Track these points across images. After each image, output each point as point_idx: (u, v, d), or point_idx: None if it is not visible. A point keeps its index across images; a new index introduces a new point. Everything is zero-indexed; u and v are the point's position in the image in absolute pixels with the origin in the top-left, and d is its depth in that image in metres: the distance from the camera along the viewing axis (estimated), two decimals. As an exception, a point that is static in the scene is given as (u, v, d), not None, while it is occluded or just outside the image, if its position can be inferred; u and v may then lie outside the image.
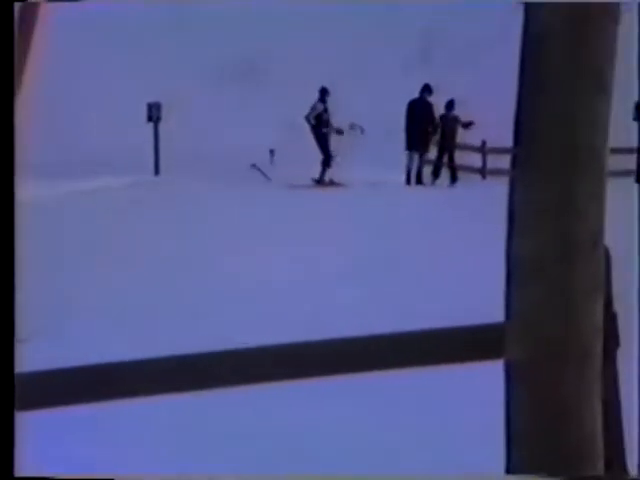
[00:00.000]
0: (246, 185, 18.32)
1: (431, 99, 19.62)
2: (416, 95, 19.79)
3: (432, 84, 19.67)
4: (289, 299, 11.50)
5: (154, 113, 20.25)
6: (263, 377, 2.04)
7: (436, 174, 19.14)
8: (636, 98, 16.84)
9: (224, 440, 7.46)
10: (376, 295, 11.59)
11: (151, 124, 20.23)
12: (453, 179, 18.92)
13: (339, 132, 19.77)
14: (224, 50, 24.62)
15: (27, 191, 16.05)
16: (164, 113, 20.25)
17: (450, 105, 19.39)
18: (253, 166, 18.75)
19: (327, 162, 19.94)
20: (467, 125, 19.33)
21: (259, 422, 7.88)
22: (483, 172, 20.46)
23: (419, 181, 19.48)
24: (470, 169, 20.46)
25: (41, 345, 9.01)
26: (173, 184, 18.49)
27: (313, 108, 19.99)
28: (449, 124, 19.14)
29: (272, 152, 20.60)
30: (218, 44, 24.87)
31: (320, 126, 19.91)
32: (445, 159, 19.40)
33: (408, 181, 19.44)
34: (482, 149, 20.34)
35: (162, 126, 20.16)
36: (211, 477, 3.50)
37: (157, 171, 20.13)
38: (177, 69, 23.89)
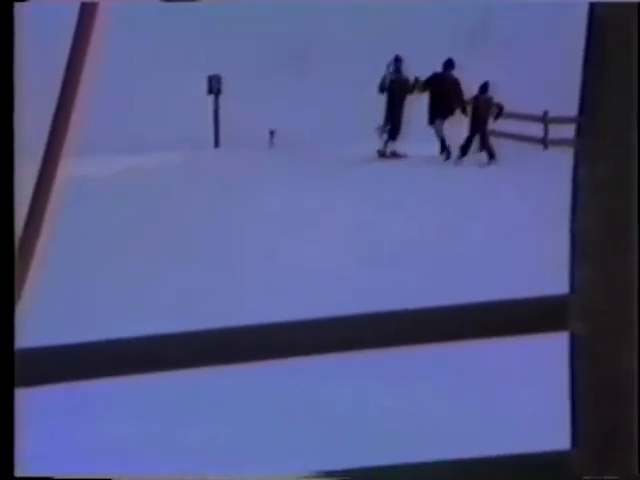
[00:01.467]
0: (305, 160, 18.29)
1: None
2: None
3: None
4: (365, 265, 11.51)
5: (214, 85, 20.30)
6: (312, 350, 2.02)
7: (464, 152, 18.62)
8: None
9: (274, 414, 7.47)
10: (440, 267, 11.57)
11: (211, 96, 20.30)
12: (491, 157, 18.35)
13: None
14: (279, 34, 24.67)
15: (88, 166, 16.26)
16: (224, 87, 20.32)
17: (484, 87, 18.84)
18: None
19: (394, 134, 19.78)
20: (498, 114, 18.87)
21: (306, 398, 7.89)
22: (545, 142, 20.25)
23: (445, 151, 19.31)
24: (531, 139, 20.24)
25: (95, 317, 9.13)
26: (233, 157, 18.57)
27: (384, 78, 19.86)
28: (481, 106, 18.61)
29: (272, 133, 20.30)
30: (274, 28, 24.93)
31: (394, 95, 19.76)
32: (476, 142, 18.89)
33: (443, 150, 19.23)
34: (544, 118, 20.13)
35: (222, 99, 20.23)
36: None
37: (217, 144, 20.21)
38: (235, 47, 23.95)
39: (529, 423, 6.76)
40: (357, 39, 25.00)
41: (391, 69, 19.89)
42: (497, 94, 20.21)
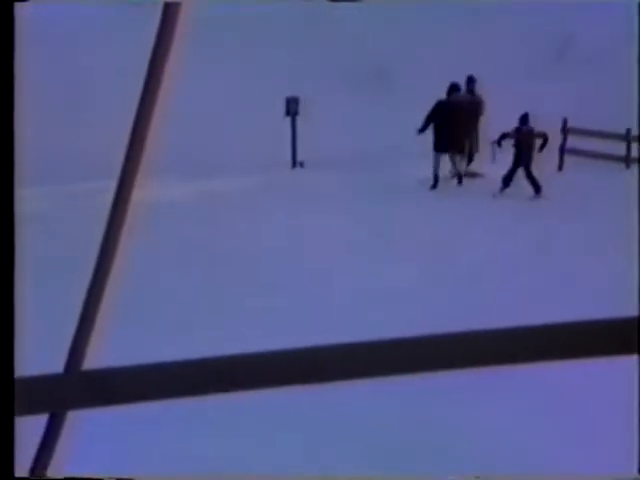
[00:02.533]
0: (382, 180, 18.25)
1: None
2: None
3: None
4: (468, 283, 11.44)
5: (292, 107, 20.41)
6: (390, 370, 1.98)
7: (506, 184, 17.66)
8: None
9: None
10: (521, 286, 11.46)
11: (288, 118, 20.41)
12: (537, 191, 17.48)
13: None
14: (357, 54, 24.72)
15: (164, 189, 16.42)
16: (302, 108, 20.40)
17: (525, 119, 17.88)
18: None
19: (471, 154, 19.62)
20: (542, 145, 17.78)
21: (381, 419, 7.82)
22: (627, 161, 19.97)
23: (460, 181, 18.45)
24: (611, 157, 19.96)
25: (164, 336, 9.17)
26: (309, 178, 18.61)
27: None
28: (524, 138, 17.74)
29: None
30: (352, 47, 24.99)
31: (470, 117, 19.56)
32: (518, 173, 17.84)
33: (435, 185, 18.15)
34: (627, 137, 19.87)
35: (299, 121, 20.30)
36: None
37: (294, 164, 20.30)
38: (312, 68, 24.06)
39: (597, 446, 6.63)
40: (437, 57, 24.93)
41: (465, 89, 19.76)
42: (579, 111, 19.96)
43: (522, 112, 17.85)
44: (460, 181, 18.41)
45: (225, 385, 2.03)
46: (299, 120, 20.37)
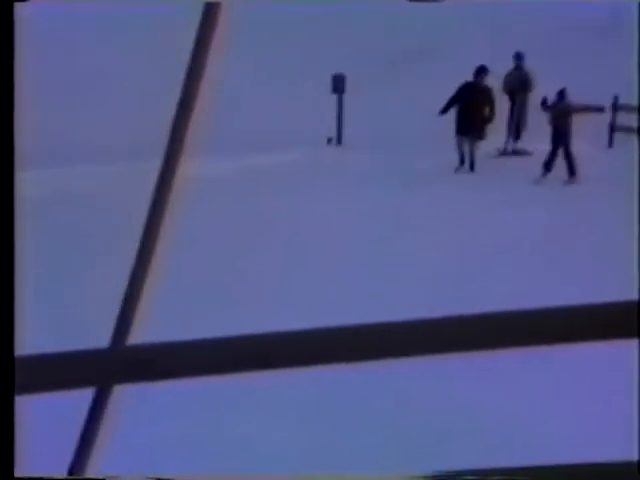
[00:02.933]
0: (425, 158, 18.18)
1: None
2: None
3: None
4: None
5: (339, 85, 20.44)
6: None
7: (548, 167, 16.73)
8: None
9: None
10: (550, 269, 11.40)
11: (335, 96, 20.42)
12: (572, 173, 16.60)
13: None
14: (406, 31, 24.65)
15: (213, 165, 16.49)
16: (348, 86, 20.39)
17: (562, 94, 16.94)
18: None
19: (518, 132, 19.47)
20: (598, 109, 17.00)
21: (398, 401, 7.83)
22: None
23: (472, 168, 17.80)
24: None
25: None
26: (355, 155, 18.60)
27: (508, 76, 19.55)
28: (561, 115, 16.66)
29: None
30: (401, 25, 24.94)
31: (517, 93, 19.43)
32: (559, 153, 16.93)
33: (462, 163, 17.81)
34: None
35: (346, 98, 20.28)
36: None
37: (339, 141, 20.32)
38: (357, 50, 24.04)
39: (598, 431, 6.61)
40: (483, 35, 24.77)
41: (513, 66, 19.64)
42: (622, 90, 19.69)
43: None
44: (472, 168, 17.78)
45: (267, 362, 2.06)
46: (345, 98, 20.36)
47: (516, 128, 19.47)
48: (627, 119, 19.83)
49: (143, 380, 2.00)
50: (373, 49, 24.63)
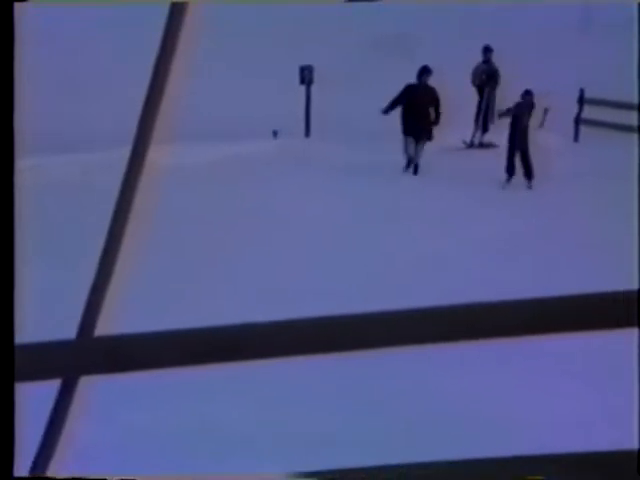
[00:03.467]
0: (392, 152, 18.21)
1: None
2: None
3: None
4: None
5: (306, 76, 20.38)
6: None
7: (511, 172, 16.06)
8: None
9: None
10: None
11: (303, 87, 20.37)
12: (529, 177, 16.09)
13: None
14: (375, 24, 24.64)
15: (181, 155, 16.45)
16: (316, 77, 20.35)
17: (527, 94, 16.28)
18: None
19: (486, 124, 19.53)
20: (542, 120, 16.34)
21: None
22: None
23: (415, 172, 17.14)
24: (626, 128, 19.71)
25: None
26: (323, 148, 18.60)
27: (476, 69, 19.64)
28: (522, 115, 15.99)
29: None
30: (370, 18, 24.92)
31: (485, 86, 19.51)
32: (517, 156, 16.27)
33: (408, 166, 17.19)
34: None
35: (314, 89, 20.26)
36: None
37: (307, 133, 20.28)
38: (329, 37, 24.02)
39: (597, 420, 6.69)
40: (456, 27, 24.81)
41: (481, 59, 19.73)
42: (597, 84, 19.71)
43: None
44: (416, 171, 17.16)
45: (238, 353, 2.06)
46: (314, 88, 20.33)
47: (484, 121, 19.56)
48: (595, 113, 19.94)
49: (110, 371, 2.01)
50: (344, 42, 24.63)
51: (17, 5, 1.48)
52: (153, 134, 1.97)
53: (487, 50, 19.73)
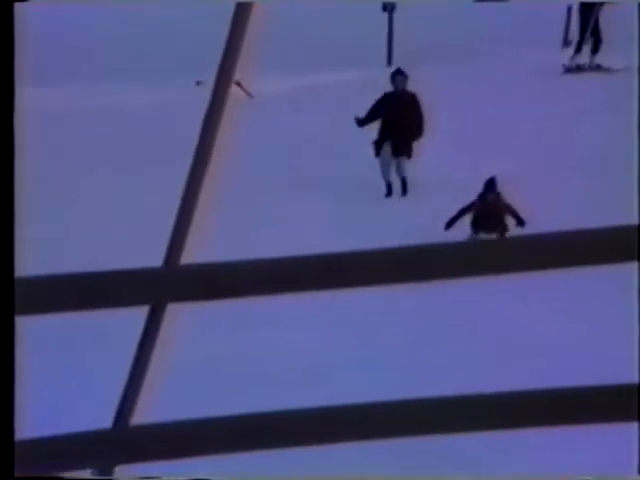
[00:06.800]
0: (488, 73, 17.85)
1: None
2: None
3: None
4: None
5: (389, 2, 20.17)
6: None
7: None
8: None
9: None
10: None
11: (385, 14, 20.16)
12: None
13: None
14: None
15: (265, 83, 16.48)
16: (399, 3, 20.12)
17: (491, 185, 12.34)
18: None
19: (597, 45, 18.32)
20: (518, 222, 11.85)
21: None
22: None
23: (404, 192, 14.11)
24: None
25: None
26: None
27: None
28: (493, 204, 12.13)
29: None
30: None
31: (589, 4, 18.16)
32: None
33: (389, 192, 14.14)
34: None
35: (397, 16, 20.03)
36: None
37: (390, 62, 20.04)
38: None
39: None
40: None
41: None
42: None
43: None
44: (405, 190, 14.23)
45: (321, 283, 2.07)
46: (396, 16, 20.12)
47: (596, 41, 18.26)
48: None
49: (197, 299, 2.06)
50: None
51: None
52: (237, 64, 2.00)
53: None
